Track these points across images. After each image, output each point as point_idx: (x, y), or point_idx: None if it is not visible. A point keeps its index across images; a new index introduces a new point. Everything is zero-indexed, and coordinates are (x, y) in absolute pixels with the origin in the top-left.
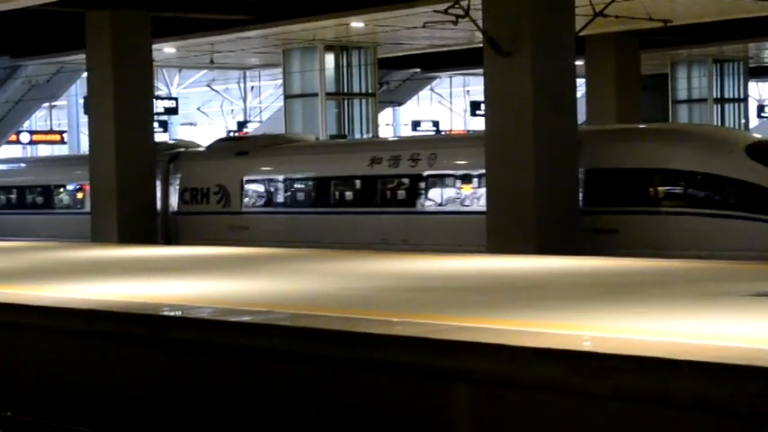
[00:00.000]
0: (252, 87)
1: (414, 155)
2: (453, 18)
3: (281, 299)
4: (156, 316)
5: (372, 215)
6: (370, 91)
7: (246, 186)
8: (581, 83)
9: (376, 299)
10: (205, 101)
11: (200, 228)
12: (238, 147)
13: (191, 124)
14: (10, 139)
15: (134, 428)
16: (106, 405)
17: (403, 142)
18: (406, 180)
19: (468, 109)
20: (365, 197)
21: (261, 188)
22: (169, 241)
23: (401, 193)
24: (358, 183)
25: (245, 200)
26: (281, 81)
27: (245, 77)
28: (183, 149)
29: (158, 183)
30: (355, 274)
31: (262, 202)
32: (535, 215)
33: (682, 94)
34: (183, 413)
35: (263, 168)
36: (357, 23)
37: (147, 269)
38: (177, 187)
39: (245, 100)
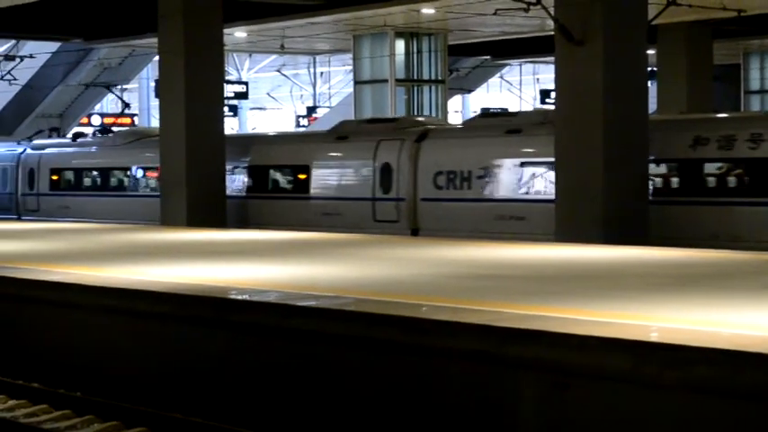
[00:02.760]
0: (321, 73)
1: (755, 135)
2: (525, 5)
3: (349, 284)
4: (222, 299)
5: (697, 206)
6: (439, 78)
7: (523, 170)
8: (652, 72)
9: (445, 286)
10: (274, 86)
11: (458, 217)
12: (508, 124)
13: (260, 109)
14: (81, 121)
15: (197, 411)
16: (171, 387)
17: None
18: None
19: (538, 97)
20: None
21: (541, 171)
22: (416, 232)
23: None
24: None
25: (520, 187)
26: (350, 67)
27: (314, 63)
28: (431, 127)
29: (399, 165)
30: (425, 261)
31: (542, 188)
32: (604, 204)
33: (754, 84)
34: (247, 397)
35: (543, 149)
36: (428, 10)
37: (216, 253)
38: (426, 170)
39: (314, 85)
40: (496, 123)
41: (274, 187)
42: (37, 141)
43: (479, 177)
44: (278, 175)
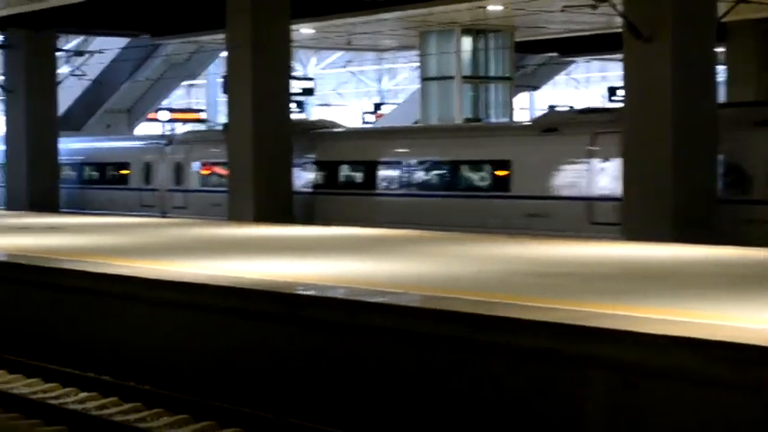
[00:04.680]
0: (387, 69)
1: None
2: (592, 2)
3: (414, 281)
4: (291, 295)
5: None
6: (506, 75)
7: None
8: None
9: (509, 283)
10: (341, 82)
11: None
12: (756, 114)
13: (325, 105)
14: (149, 116)
15: (267, 405)
16: (241, 382)
17: None
18: None
19: (606, 94)
20: None
21: None
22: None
23: None
24: None
25: None
26: (416, 63)
27: (380, 60)
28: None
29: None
30: (489, 258)
31: None
32: (673, 203)
33: None
34: (316, 390)
35: None
36: (495, 7)
37: (284, 249)
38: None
39: (380, 82)
40: (739, 115)
41: (462, 185)
42: (186, 133)
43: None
44: (469, 172)
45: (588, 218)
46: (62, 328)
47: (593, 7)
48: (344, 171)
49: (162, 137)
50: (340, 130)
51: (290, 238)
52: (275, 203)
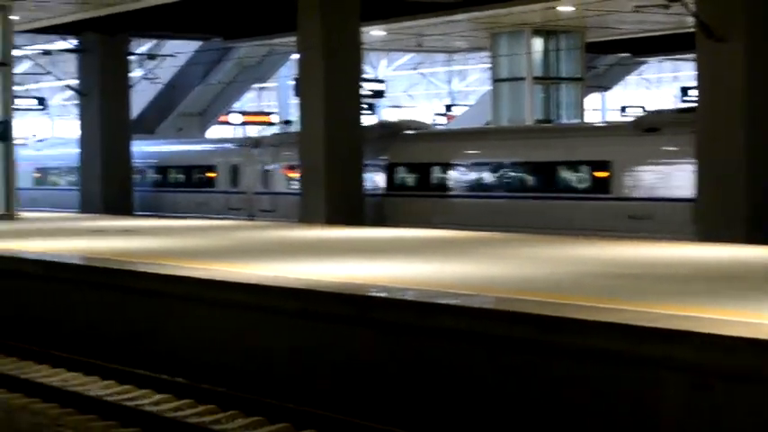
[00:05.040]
0: (457, 71)
1: None
2: (664, 2)
3: (485, 282)
4: (363, 297)
5: None
6: (577, 75)
7: None
8: None
9: (580, 284)
10: (411, 84)
11: None
12: None
13: (396, 107)
14: (220, 119)
15: (338, 407)
16: (313, 384)
17: None
18: None
19: (679, 94)
20: None
21: None
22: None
23: None
24: None
25: None
26: (486, 65)
27: (450, 61)
28: None
29: None
30: (560, 260)
31: None
32: (746, 204)
33: None
34: (386, 393)
35: None
36: (566, 7)
37: (357, 250)
38: None
39: (450, 83)
40: None
41: (558, 186)
42: (274, 135)
43: None
44: (566, 173)
45: (692, 219)
46: (136, 330)
47: (665, 7)
48: (439, 173)
49: (249, 139)
50: (435, 130)
51: (362, 239)
52: (346, 205)
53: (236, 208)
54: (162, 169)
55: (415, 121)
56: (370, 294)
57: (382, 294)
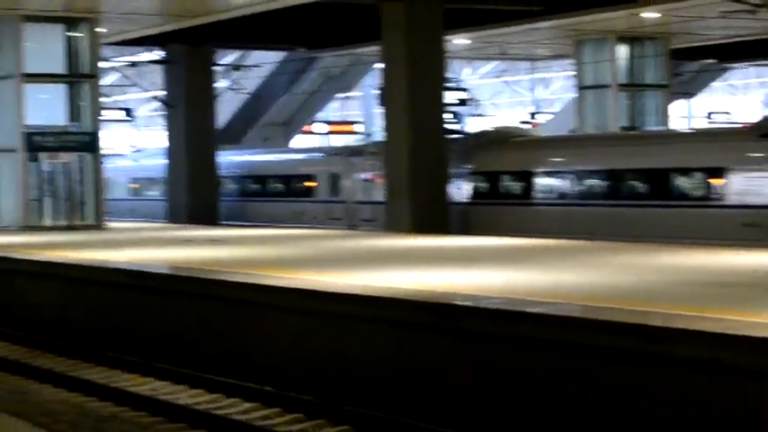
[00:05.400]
0: (541, 79)
1: None
2: (751, 7)
3: (570, 291)
4: (448, 305)
5: None
6: (662, 82)
7: None
8: None
9: (668, 293)
10: (495, 92)
11: None
12: None
13: (480, 115)
14: (304, 129)
15: (425, 416)
16: (398, 392)
17: None
18: None
19: (766, 100)
20: None
21: None
22: None
23: None
24: None
25: None
26: (570, 72)
27: (534, 69)
28: None
29: None
30: (646, 268)
31: None
32: None
33: None
34: (474, 401)
35: None
36: (651, 14)
37: (444, 259)
38: None
39: (533, 91)
40: None
41: (668, 194)
42: (374, 143)
43: None
44: (676, 180)
45: None
46: (224, 338)
47: (752, 12)
48: (547, 180)
49: (349, 148)
50: (543, 137)
51: (449, 248)
52: (431, 213)
53: (336, 218)
54: (256, 179)
55: (509, 128)
56: (456, 303)
57: (468, 303)
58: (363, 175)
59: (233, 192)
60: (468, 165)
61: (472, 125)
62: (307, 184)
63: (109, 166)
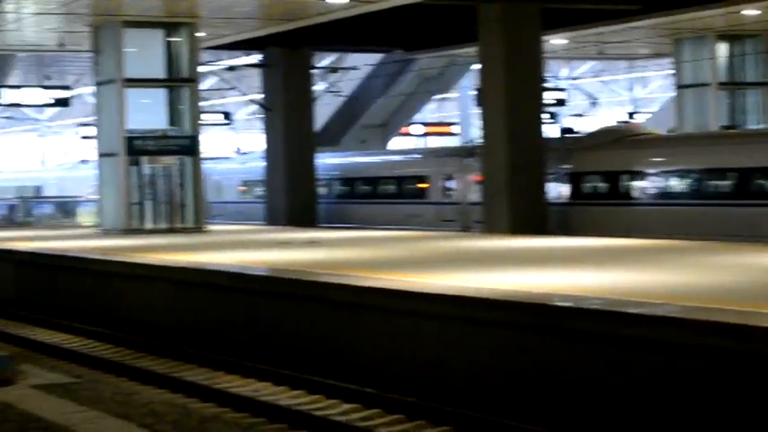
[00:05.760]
0: (639, 78)
1: None
2: None
3: (671, 291)
4: (550, 306)
5: None
6: (764, 80)
7: None
8: None
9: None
10: (593, 92)
11: None
12: None
13: (578, 115)
14: (401, 130)
15: (526, 416)
16: (499, 393)
17: None
18: None
19: None
20: None
21: None
22: None
23: None
24: None
25: None
26: (667, 71)
27: (632, 68)
28: None
29: None
30: (749, 268)
31: None
32: None
33: None
34: (575, 401)
35: None
36: (751, 11)
37: (540, 260)
38: None
39: (631, 90)
40: None
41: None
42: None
43: None
44: None
45: None
46: (324, 339)
47: None
48: (667, 179)
49: (462, 148)
50: (662, 135)
51: (541, 248)
52: (530, 214)
53: (449, 219)
54: (363, 180)
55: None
56: (557, 304)
57: (568, 304)
58: (477, 176)
59: (335, 194)
60: (578, 164)
61: (571, 125)
62: (419, 185)
63: (217, 168)
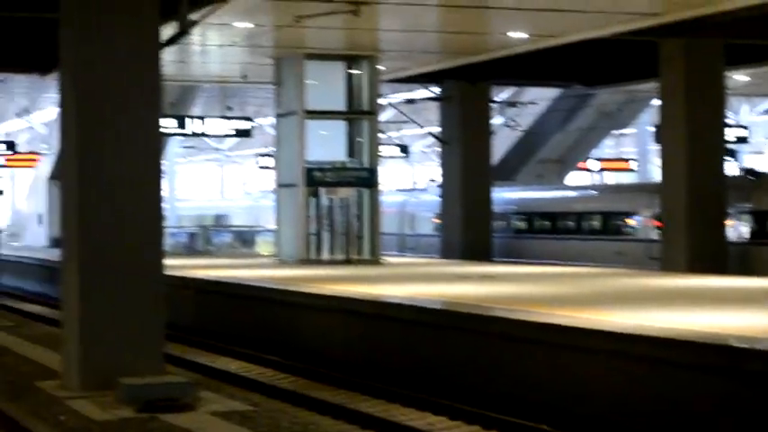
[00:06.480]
0: None
1: None
2: None
3: None
4: (732, 347)
5: None
6: None
7: None
8: None
9: None
10: None
11: None
12: None
13: (758, 153)
14: (579, 166)
15: None
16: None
17: None
18: None
19: None
20: None
21: None
22: None
23: None
24: None
25: None
26: None
27: None
28: None
29: None
30: None
31: None
32: None
33: None
34: None
35: None
36: None
37: (716, 299)
38: None
39: None
40: None
41: None
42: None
43: None
44: None
45: None
46: (495, 374)
47: None
48: None
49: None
50: None
51: (722, 288)
52: (709, 253)
53: (657, 257)
54: (559, 215)
55: None
56: (739, 346)
57: (752, 346)
58: None
59: (516, 228)
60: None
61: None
62: (627, 221)
63: (411, 200)
